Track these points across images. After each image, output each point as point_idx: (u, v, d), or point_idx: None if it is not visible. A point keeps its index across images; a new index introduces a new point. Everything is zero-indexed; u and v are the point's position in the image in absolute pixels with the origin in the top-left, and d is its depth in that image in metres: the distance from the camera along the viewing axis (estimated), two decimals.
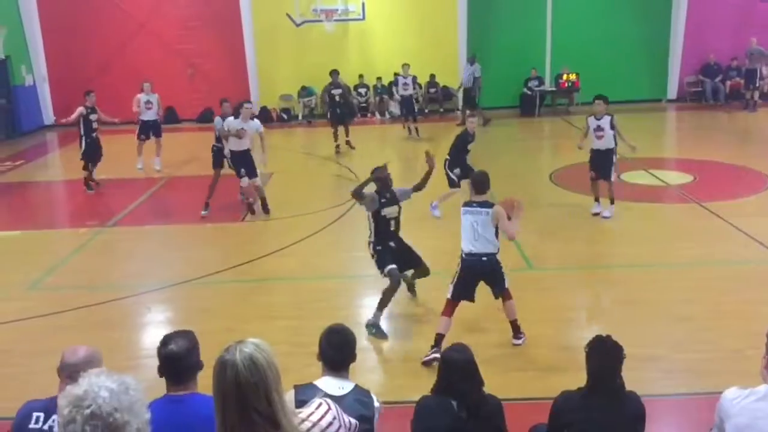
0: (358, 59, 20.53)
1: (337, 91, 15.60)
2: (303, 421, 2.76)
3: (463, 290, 6.28)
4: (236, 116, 10.56)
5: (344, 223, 10.47)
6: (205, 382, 3.33)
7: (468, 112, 16.23)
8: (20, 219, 11.78)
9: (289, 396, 3.17)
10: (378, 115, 20.41)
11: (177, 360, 3.17)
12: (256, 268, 8.71)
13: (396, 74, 18.28)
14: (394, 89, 18.30)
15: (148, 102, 14.10)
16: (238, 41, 19.95)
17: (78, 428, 1.93)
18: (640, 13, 20.42)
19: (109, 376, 2.05)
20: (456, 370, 3.64)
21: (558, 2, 20.37)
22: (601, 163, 10.20)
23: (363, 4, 19.95)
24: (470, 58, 18.67)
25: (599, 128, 10.15)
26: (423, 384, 4.06)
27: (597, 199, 10.41)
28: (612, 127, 10.08)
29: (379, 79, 20.36)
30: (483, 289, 7.76)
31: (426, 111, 20.33)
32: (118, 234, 10.57)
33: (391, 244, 7.05)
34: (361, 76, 20.36)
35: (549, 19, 20.52)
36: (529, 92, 20.21)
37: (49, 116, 20.47)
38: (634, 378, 3.85)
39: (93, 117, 12.62)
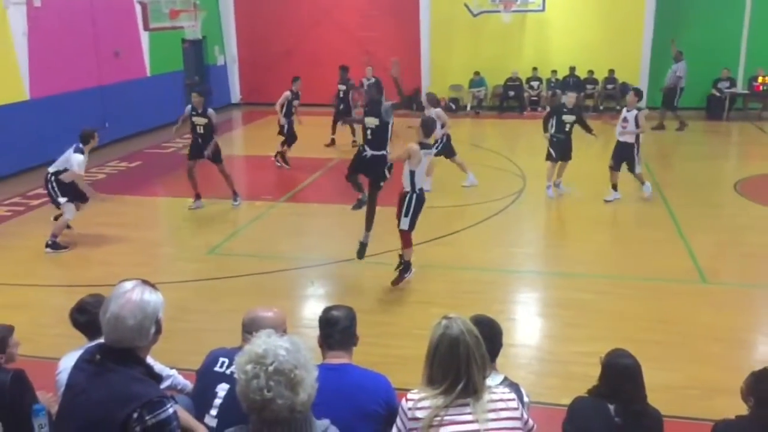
0: (533, 51, 20.10)
1: (200, 120, 11.04)
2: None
3: None
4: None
5: (504, 217, 10.37)
6: (358, 358, 3.48)
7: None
8: (205, 188, 12.77)
9: None
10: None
11: (335, 323, 3.39)
12: (416, 253, 8.76)
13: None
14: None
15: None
16: (414, 30, 20.26)
17: (263, 383, 2.12)
18: None
19: (280, 337, 2.21)
20: (621, 376, 3.50)
21: None
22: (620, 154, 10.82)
23: None
24: (675, 54, 17.43)
25: (625, 120, 10.75)
26: (574, 386, 3.95)
27: (614, 187, 10.91)
28: (636, 123, 10.62)
29: (554, 72, 19.83)
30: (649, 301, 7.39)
31: (601, 108, 19.54)
32: (290, 209, 11.18)
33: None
34: (535, 68, 19.94)
35: (747, 16, 18.86)
36: (718, 94, 18.76)
37: (236, 95, 22.02)
38: None
39: (295, 102, 13.46)
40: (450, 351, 2.71)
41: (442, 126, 11.43)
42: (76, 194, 9.30)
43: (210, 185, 13.04)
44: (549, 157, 11.24)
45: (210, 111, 10.89)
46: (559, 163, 11.25)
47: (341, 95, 15.45)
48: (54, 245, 9.20)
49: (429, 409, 2.71)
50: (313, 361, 2.24)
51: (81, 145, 9.13)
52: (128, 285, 2.59)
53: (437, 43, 20.45)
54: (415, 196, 7.41)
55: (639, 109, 10.80)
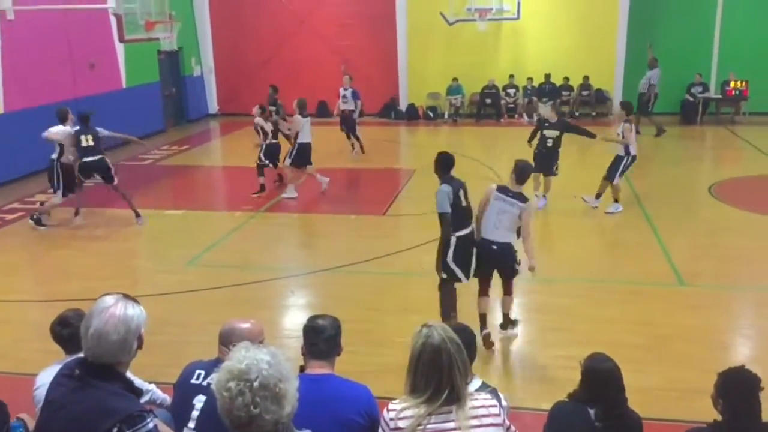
0: (509, 59, 20.28)
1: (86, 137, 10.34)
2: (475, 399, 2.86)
3: None
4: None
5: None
6: (339, 367, 3.47)
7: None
8: (183, 199, 12.73)
9: None
10: (526, 117, 20.04)
11: (320, 332, 3.35)
12: (397, 261, 8.86)
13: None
14: (339, 101, 15.70)
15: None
16: (391, 39, 20.35)
17: (248, 399, 2.09)
18: None
19: (260, 349, 2.20)
20: (603, 381, 3.53)
21: (729, 3, 19.02)
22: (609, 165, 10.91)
23: (519, 3, 19.64)
24: (650, 61, 17.64)
25: (617, 134, 10.92)
26: (554, 391, 3.97)
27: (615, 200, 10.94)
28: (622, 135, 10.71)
29: (529, 79, 20.00)
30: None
31: (577, 114, 19.73)
32: (269, 219, 11.15)
33: None
34: (511, 76, 20.11)
35: (718, 21, 19.19)
36: (691, 99, 19.05)
37: (213, 105, 21.94)
38: None
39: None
40: (432, 360, 2.71)
41: (296, 135, 11.76)
42: (70, 184, 10.34)
43: (187, 196, 13.01)
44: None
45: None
46: (542, 177, 11.10)
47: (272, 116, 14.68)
48: (38, 220, 10.30)
49: (411, 418, 2.71)
50: (293, 371, 2.23)
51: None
52: (110, 300, 2.57)
53: (414, 52, 20.55)
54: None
55: (626, 122, 10.77)
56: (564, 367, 5.87)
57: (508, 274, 6.44)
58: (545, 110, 11.22)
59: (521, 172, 6.41)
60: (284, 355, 2.21)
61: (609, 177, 10.81)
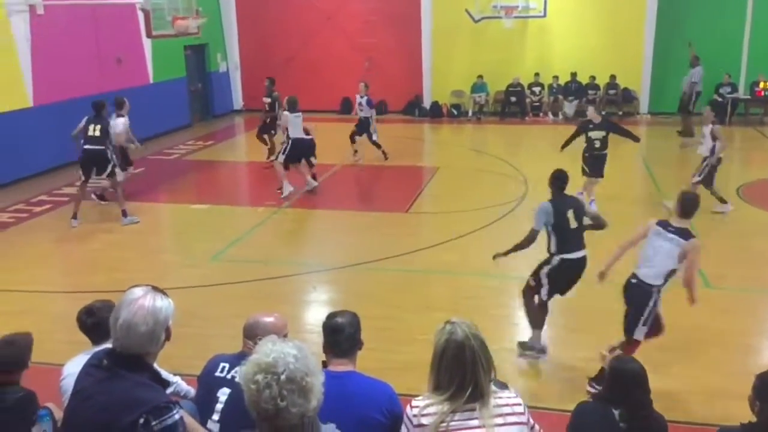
0: (535, 57, 20.14)
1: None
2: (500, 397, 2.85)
3: None
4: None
5: (507, 222, 10.36)
6: (361, 364, 3.48)
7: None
8: (208, 194, 12.84)
9: None
10: (551, 116, 19.91)
11: (340, 331, 3.34)
12: (418, 258, 8.86)
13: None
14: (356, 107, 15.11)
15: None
16: (416, 36, 20.32)
17: (275, 392, 2.12)
18: None
19: (286, 343, 2.21)
20: (630, 382, 3.50)
21: (759, 2, 18.71)
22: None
23: (545, 1, 19.46)
24: (692, 59, 17.40)
25: (703, 135, 10.68)
26: (578, 391, 3.95)
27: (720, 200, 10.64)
28: (712, 137, 10.35)
29: (555, 77, 19.86)
30: None
31: (603, 113, 19.52)
32: (292, 215, 11.21)
33: None
34: (536, 74, 19.98)
35: (748, 21, 18.90)
36: (719, 99, 18.72)
37: (239, 101, 22.07)
38: None
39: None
40: (456, 356, 2.70)
41: (286, 131, 11.74)
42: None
43: (212, 191, 13.11)
44: (583, 172, 10.88)
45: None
46: (589, 179, 10.85)
47: (267, 108, 14.38)
48: (101, 196, 11.33)
49: (435, 415, 2.71)
50: (319, 365, 2.25)
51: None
52: (139, 291, 2.60)
53: (439, 49, 20.49)
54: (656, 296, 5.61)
55: (714, 124, 10.43)
56: (587, 368, 5.85)
57: (629, 320, 5.60)
58: (590, 112, 10.97)
59: (686, 205, 5.55)
60: (309, 349, 2.23)
61: (706, 184, 10.52)
